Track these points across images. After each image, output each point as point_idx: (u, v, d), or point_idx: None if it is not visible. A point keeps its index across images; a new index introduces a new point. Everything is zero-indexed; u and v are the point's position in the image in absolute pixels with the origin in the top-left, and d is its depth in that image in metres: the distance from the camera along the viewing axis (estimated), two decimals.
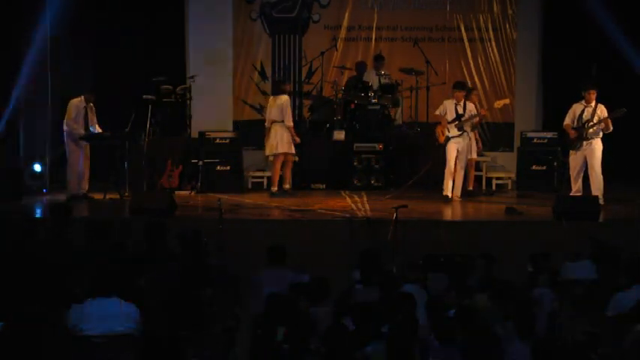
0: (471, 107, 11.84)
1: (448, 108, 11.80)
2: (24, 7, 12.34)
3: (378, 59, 13.79)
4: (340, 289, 7.11)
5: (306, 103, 14.13)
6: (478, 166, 13.45)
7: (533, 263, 7.78)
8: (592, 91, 11.15)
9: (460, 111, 11.73)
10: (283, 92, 12.16)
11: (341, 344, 5.51)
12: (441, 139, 11.80)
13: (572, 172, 11.35)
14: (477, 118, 11.91)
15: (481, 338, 5.63)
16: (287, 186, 12.25)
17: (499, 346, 5.71)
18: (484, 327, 6.03)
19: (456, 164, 11.72)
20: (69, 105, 11.79)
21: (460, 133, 11.71)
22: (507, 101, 12.40)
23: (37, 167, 12.61)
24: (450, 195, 11.74)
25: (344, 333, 5.65)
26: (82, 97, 11.79)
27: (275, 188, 12.17)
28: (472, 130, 11.96)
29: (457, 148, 11.72)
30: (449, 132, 11.72)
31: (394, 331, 5.72)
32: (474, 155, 12.19)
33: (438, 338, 5.84)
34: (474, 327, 5.88)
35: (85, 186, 11.89)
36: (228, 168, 12.72)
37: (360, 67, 13.88)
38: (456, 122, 11.70)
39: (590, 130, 11.13)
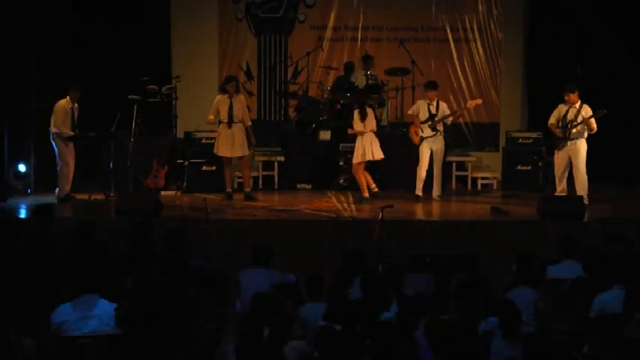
0: (443, 107, 11.81)
1: (421, 108, 11.77)
2: (8, 7, 12.27)
3: (367, 60, 13.75)
4: (326, 289, 7.10)
5: (292, 103, 14.13)
6: (463, 166, 13.50)
7: (519, 263, 7.79)
8: (569, 94, 11.15)
9: (433, 111, 11.69)
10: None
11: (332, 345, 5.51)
12: (415, 140, 11.78)
13: (557, 172, 11.38)
14: (451, 118, 11.85)
15: (467, 339, 5.64)
16: (248, 189, 12.04)
17: (484, 347, 5.73)
18: (471, 327, 6.05)
19: (432, 165, 11.70)
20: (56, 107, 11.64)
21: (434, 133, 11.69)
22: (479, 101, 12.32)
23: (22, 168, 12.53)
24: (420, 194, 11.71)
25: (334, 334, 5.65)
26: (68, 96, 11.70)
27: (230, 190, 11.97)
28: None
29: (431, 148, 11.70)
30: (422, 132, 11.71)
31: (380, 331, 5.72)
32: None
33: (427, 339, 5.85)
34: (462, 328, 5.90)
35: (68, 187, 11.80)
36: (214, 168, 12.68)
37: (349, 67, 13.87)
38: (429, 122, 11.68)
39: (574, 130, 11.16)
